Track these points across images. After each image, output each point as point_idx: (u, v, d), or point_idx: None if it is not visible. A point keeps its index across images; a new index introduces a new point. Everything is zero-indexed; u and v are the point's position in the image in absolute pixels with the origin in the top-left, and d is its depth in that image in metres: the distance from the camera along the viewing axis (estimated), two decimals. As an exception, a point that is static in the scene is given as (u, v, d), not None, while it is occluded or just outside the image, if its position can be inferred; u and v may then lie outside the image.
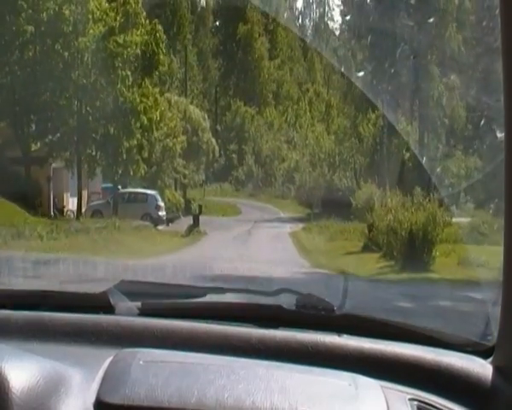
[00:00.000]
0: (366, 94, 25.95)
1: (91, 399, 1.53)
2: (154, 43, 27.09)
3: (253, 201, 42.74)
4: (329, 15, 66.46)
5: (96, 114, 25.88)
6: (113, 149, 26.07)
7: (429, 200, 17.15)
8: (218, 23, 57.96)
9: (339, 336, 1.81)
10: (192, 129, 35.15)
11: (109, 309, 1.91)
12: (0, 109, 25.22)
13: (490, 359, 1.76)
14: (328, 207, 30.08)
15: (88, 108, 25.99)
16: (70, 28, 24.96)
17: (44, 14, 24.75)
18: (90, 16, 25.10)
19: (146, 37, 26.63)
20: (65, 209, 28.07)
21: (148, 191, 28.99)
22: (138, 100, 26.04)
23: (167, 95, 33.00)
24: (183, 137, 32.60)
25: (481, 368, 1.72)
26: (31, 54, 25.38)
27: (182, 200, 33.49)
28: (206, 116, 38.79)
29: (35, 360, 1.54)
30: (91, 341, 1.78)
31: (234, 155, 48.22)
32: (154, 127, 27.58)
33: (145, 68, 26.85)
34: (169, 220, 28.72)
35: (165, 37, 29.87)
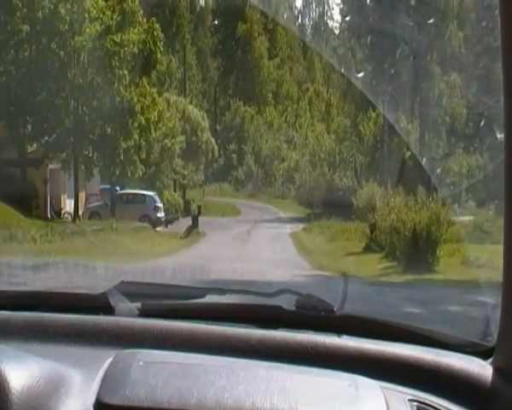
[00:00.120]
0: (366, 93, 25.79)
1: (91, 400, 1.53)
2: (151, 42, 26.83)
3: (252, 201, 42.61)
4: (329, 14, 66.43)
5: (93, 114, 25.58)
6: (110, 149, 25.81)
7: (432, 199, 16.86)
8: (217, 22, 57.87)
9: (338, 336, 1.81)
10: (191, 129, 34.98)
11: (109, 310, 1.91)
12: (-5, 110, 25.03)
13: (490, 359, 1.76)
14: (329, 206, 29.91)
15: (84, 108, 25.70)
16: (66, 27, 24.68)
17: (40, 13, 24.47)
18: (87, 15, 24.81)
19: (143, 35, 26.37)
20: (62, 211, 27.83)
21: (147, 192, 28.76)
22: (136, 99, 25.75)
23: (166, 94, 32.87)
24: (181, 138, 32.40)
25: (481, 369, 1.72)
26: (26, 53, 25.10)
27: (181, 201, 33.32)
28: (206, 116, 38.74)
29: (35, 361, 1.55)
30: (91, 342, 1.79)
31: (233, 155, 48.19)
32: (152, 127, 27.35)
33: (142, 67, 26.60)
34: (168, 222, 28.50)
35: (163, 36, 29.72)
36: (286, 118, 51.69)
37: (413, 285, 12.74)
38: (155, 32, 27.33)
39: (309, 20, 68.40)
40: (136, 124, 25.99)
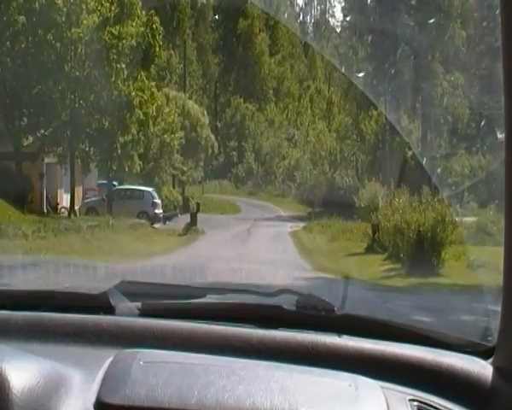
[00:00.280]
0: (368, 92, 25.61)
1: (91, 399, 1.54)
2: (150, 35, 26.53)
3: (252, 199, 42.51)
4: (331, 12, 66.49)
5: (90, 107, 25.16)
6: (107, 144, 25.42)
7: (438, 200, 16.42)
8: (218, 18, 57.61)
9: (339, 336, 1.81)
10: (190, 125, 34.76)
11: (109, 310, 1.92)
12: (-10, 103, 24.63)
13: (490, 359, 1.76)
14: (330, 205, 29.89)
15: (81, 102, 25.24)
16: (63, 19, 24.21)
17: (36, 4, 24.00)
18: (84, 6, 24.36)
19: (142, 28, 26.06)
20: (59, 206, 27.46)
21: (145, 188, 28.44)
22: (134, 94, 25.36)
23: (165, 89, 32.65)
24: (181, 133, 32.13)
25: (482, 369, 1.73)
26: (22, 45, 24.58)
27: (180, 197, 33.12)
28: (206, 112, 38.66)
29: (35, 361, 1.56)
30: (91, 341, 1.79)
31: (234, 152, 48.14)
32: (151, 122, 27.09)
33: (141, 61, 26.32)
34: (166, 218, 28.25)
35: (164, 31, 29.51)
36: (287, 115, 51.66)
37: (419, 291, 12.27)
38: (154, 26, 27.04)
39: (310, 17, 68.38)
40: (133, 118, 25.61)
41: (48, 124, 25.31)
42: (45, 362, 1.57)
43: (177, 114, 31.88)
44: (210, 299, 2.02)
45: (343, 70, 40.39)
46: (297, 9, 67.56)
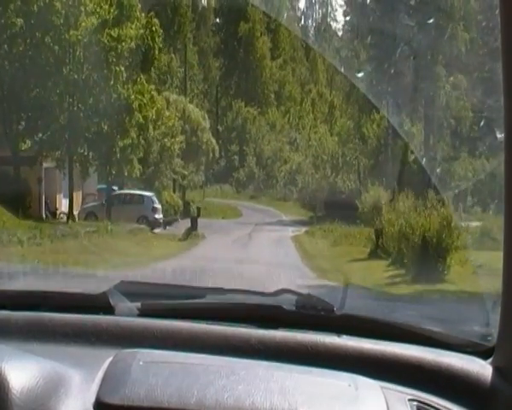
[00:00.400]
0: (370, 94, 25.58)
1: (91, 399, 1.54)
2: (149, 38, 26.35)
3: (254, 203, 42.44)
4: (332, 16, 66.30)
5: (89, 111, 24.95)
6: (106, 148, 25.25)
7: (443, 204, 16.11)
8: (219, 21, 57.52)
9: (338, 336, 1.82)
10: (191, 129, 34.58)
11: (109, 310, 1.92)
12: (-13, 106, 24.37)
13: (490, 359, 1.77)
14: (332, 210, 29.78)
15: (80, 105, 25.03)
16: (61, 21, 24.10)
17: (35, 7, 23.87)
18: (83, 8, 24.22)
19: (141, 30, 25.94)
20: (58, 211, 27.27)
21: (145, 193, 28.25)
22: (133, 97, 25.22)
23: (166, 93, 32.51)
24: (181, 137, 31.95)
25: (481, 369, 1.74)
26: (20, 48, 24.45)
27: (180, 202, 32.99)
28: (207, 116, 38.58)
29: (35, 361, 1.56)
30: (91, 341, 1.80)
31: (235, 156, 48.13)
32: (151, 126, 26.89)
33: (140, 64, 26.21)
34: (166, 223, 28.06)
35: (164, 33, 29.36)
36: (288, 119, 51.48)
37: (427, 300, 11.93)
38: (154, 28, 26.86)
39: (312, 20, 68.40)
40: (133, 122, 25.46)
41: (46, 128, 25.13)
42: (45, 362, 1.58)
43: (177, 118, 31.70)
44: (209, 299, 2.02)
45: (345, 73, 40.46)
46: (298, 13, 67.67)
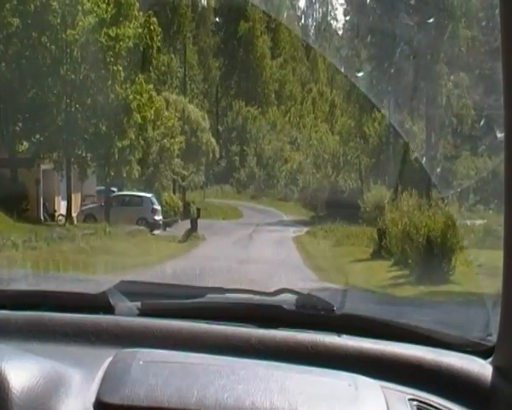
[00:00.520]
0: (371, 93, 25.51)
1: (91, 399, 1.55)
2: (148, 37, 26.16)
3: (254, 203, 42.36)
4: (332, 14, 66.16)
5: (87, 111, 24.73)
6: (104, 149, 24.98)
7: (447, 202, 15.86)
8: (218, 21, 57.39)
9: (338, 336, 1.83)
10: (191, 129, 34.35)
11: (109, 309, 1.92)
12: (-17, 108, 24.18)
13: (490, 359, 1.77)
14: (333, 209, 29.65)
15: (77, 106, 24.81)
16: (58, 20, 23.87)
17: (31, 6, 23.64)
18: (80, 8, 23.96)
19: (139, 30, 25.66)
20: (56, 214, 27.03)
21: (144, 194, 28.00)
22: (131, 97, 24.93)
23: (165, 94, 32.36)
24: (181, 138, 31.73)
25: (481, 368, 1.74)
26: (16, 48, 24.16)
27: (180, 203, 32.83)
28: (207, 116, 38.54)
29: (35, 361, 1.57)
30: (91, 341, 1.80)
31: (235, 157, 48.07)
32: (150, 126, 26.68)
33: (139, 63, 25.93)
34: (166, 225, 27.91)
35: (163, 33, 29.27)
36: (289, 118, 51.50)
37: (434, 304, 11.64)
38: (152, 27, 26.66)
39: (312, 19, 68.21)
40: (131, 122, 25.18)
41: (43, 129, 24.89)
42: (45, 362, 1.58)
43: (177, 119, 31.52)
44: (209, 299, 2.01)
45: (345, 73, 40.39)
46: (298, 12, 67.51)
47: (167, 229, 27.49)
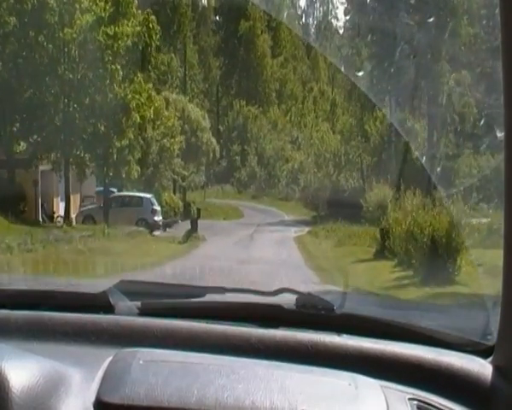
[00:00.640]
0: (372, 92, 25.42)
1: (91, 398, 1.56)
2: (146, 35, 25.92)
3: (255, 203, 42.26)
4: (333, 13, 66.01)
5: (85, 111, 24.46)
6: (102, 149, 24.75)
7: (452, 202, 15.61)
8: (219, 20, 57.30)
9: (338, 335, 1.84)
10: (191, 129, 34.15)
11: (109, 309, 1.93)
12: (-20, 108, 23.98)
13: (490, 358, 1.78)
14: (335, 209, 29.58)
15: (75, 106, 24.52)
16: (55, 19, 23.63)
17: (28, 5, 23.41)
18: (77, 6, 23.70)
19: (138, 28, 25.40)
20: (55, 215, 26.77)
21: (144, 195, 27.77)
22: (130, 96, 24.62)
23: (165, 93, 32.18)
24: (181, 137, 31.50)
25: (481, 368, 1.75)
26: (13, 47, 23.94)
27: (180, 203, 32.66)
28: (207, 116, 38.43)
29: (35, 360, 1.57)
30: (91, 340, 1.81)
31: (236, 156, 48.00)
32: (149, 126, 26.48)
33: (137, 62, 25.79)
34: (166, 225, 27.69)
35: (162, 31, 29.06)
36: (290, 118, 51.49)
37: (444, 307, 11.38)
38: (151, 25, 26.48)
39: (313, 18, 68.07)
40: (130, 122, 24.89)
41: (41, 129, 24.66)
42: (45, 361, 1.58)
43: (176, 118, 31.30)
44: (209, 298, 2.01)
45: (346, 71, 40.34)
46: (299, 11, 67.34)
47: (167, 230, 27.32)
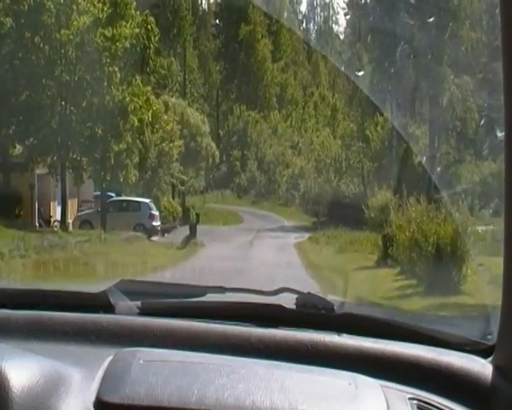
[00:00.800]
0: (373, 97, 25.33)
1: (91, 398, 1.56)
2: (145, 37, 25.69)
3: (255, 208, 42.21)
4: (334, 18, 65.91)
5: (82, 114, 24.21)
6: (100, 152, 24.56)
7: (457, 208, 15.24)
8: (219, 24, 57.16)
9: (338, 335, 1.85)
10: (190, 133, 33.89)
11: (109, 308, 1.94)
12: (-24, 111, 23.73)
13: (490, 358, 1.78)
14: (336, 215, 29.48)
15: (72, 108, 24.29)
16: (52, 20, 23.44)
17: (25, 6, 23.21)
18: (75, 7, 23.51)
19: (136, 30, 25.14)
20: (52, 220, 26.46)
21: (142, 199, 27.52)
22: (128, 99, 24.38)
23: (164, 97, 31.93)
24: (180, 142, 31.25)
25: (481, 367, 1.75)
26: (9, 48, 23.75)
27: (179, 208, 32.44)
28: (207, 120, 38.42)
29: (35, 360, 1.58)
30: (91, 340, 1.82)
31: (236, 161, 47.87)
32: (147, 130, 26.20)
33: (136, 64, 25.48)
34: (164, 231, 27.49)
35: (162, 35, 28.84)
36: (290, 123, 51.45)
37: (452, 319, 10.95)
38: (149, 27, 26.28)
39: (314, 23, 67.96)
40: (128, 125, 24.66)
41: (37, 132, 24.35)
42: (45, 361, 1.58)
43: (175, 122, 31.05)
44: (209, 298, 2.01)
45: (347, 76, 40.26)
46: (299, 15, 67.23)
47: (166, 235, 27.10)
